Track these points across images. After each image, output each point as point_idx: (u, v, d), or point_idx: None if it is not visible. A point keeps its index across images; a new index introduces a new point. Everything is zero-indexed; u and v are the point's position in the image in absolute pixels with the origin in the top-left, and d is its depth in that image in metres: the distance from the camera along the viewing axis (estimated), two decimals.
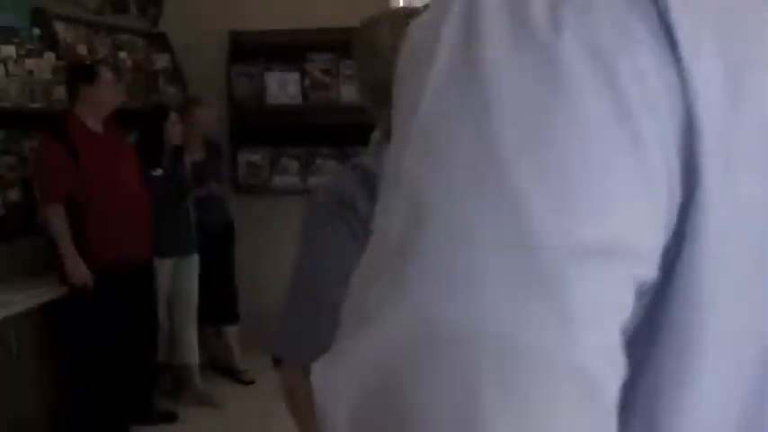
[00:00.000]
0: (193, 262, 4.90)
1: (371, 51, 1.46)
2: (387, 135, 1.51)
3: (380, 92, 1.45)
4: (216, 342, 5.39)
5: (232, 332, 5.33)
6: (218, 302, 5.20)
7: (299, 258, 1.46)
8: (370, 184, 1.39)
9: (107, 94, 4.23)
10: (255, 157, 6.13)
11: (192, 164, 4.93)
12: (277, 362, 1.42)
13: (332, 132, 6.05)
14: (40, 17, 4.60)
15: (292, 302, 1.43)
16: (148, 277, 4.52)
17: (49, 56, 4.52)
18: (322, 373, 0.48)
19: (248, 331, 5.48)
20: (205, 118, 5.15)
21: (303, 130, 6.08)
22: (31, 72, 4.32)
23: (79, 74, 4.23)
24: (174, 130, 4.71)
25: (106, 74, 4.26)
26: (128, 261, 4.24)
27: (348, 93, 5.93)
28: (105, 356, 4.21)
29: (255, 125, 6.06)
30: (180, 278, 4.83)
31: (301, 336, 1.38)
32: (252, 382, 5.25)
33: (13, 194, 4.21)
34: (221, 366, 5.39)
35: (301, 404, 1.42)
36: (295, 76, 5.96)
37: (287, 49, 5.98)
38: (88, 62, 4.48)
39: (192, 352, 4.88)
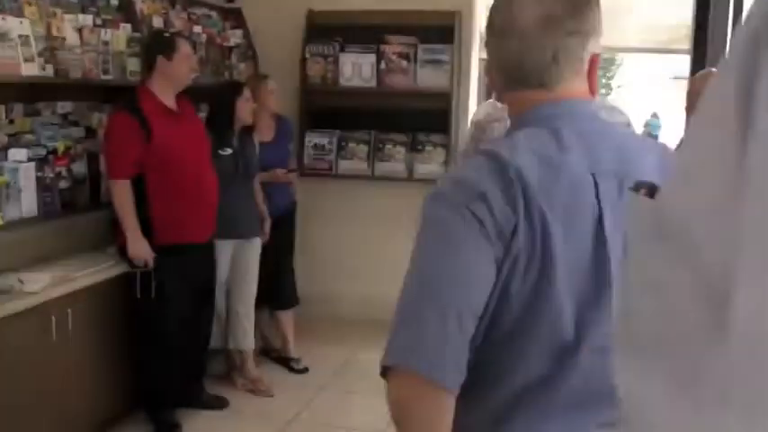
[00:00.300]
0: (255, 245, 4.77)
1: (509, 28, 1.37)
2: (517, 120, 1.42)
3: (514, 71, 1.39)
4: (270, 328, 5.27)
5: (287, 318, 5.21)
6: (276, 287, 5.08)
7: (421, 256, 1.29)
8: (502, 174, 1.27)
9: (184, 68, 4.11)
10: (323, 140, 5.98)
11: (260, 144, 4.80)
12: (386, 369, 1.26)
13: (405, 118, 5.88)
14: None
15: (411, 305, 1.27)
16: (210, 258, 4.41)
17: (125, 27, 4.41)
18: None
19: (303, 318, 5.36)
20: (274, 96, 5.01)
21: (375, 114, 5.91)
22: (106, 43, 4.21)
23: (158, 46, 4.10)
24: (244, 108, 4.57)
25: (185, 47, 4.14)
26: (191, 241, 4.14)
27: (424, 77, 5.75)
28: (162, 336, 4.12)
29: (326, 107, 5.91)
30: (240, 262, 4.71)
31: (421, 343, 1.23)
32: (305, 371, 5.13)
33: (79, 167, 4.11)
34: (274, 353, 5.28)
35: (416, 417, 1.26)
36: (371, 58, 5.79)
37: (364, 31, 5.81)
38: (167, 34, 4.34)
39: (247, 338, 4.76)
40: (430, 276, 1.26)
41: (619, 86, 16.08)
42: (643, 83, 13.66)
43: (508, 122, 1.50)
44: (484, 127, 3.78)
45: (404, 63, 5.78)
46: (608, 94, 15.71)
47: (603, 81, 16.57)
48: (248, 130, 4.67)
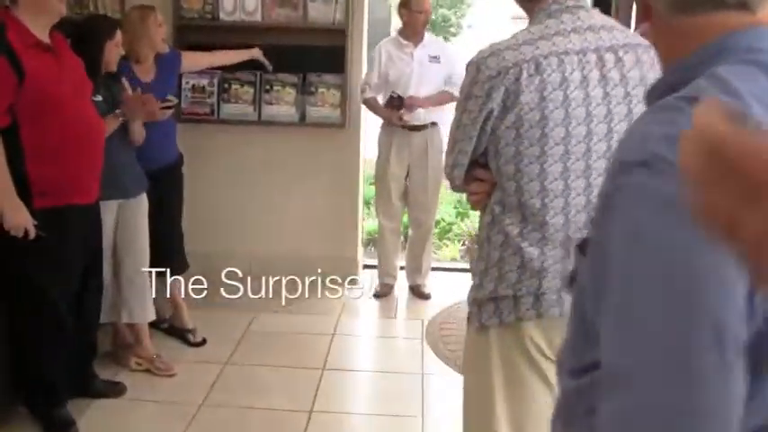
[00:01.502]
0: (142, 203, 4.11)
1: None
2: (692, 57, 0.98)
3: None
4: (159, 296, 4.62)
5: (178, 284, 4.59)
6: (163, 250, 4.42)
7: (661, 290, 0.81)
8: None
9: None
10: (202, 82, 5.32)
11: (142, 85, 4.10)
12: None
13: (294, 56, 5.30)
14: None
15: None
16: (97, 221, 3.73)
17: None
18: None
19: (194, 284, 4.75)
20: (159, 29, 4.31)
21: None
22: None
23: None
24: (114, 53, 3.85)
25: None
26: (77, 202, 3.46)
27: (316, 11, 5.18)
28: (46, 315, 3.45)
29: (205, 44, 5.21)
30: (127, 223, 4.04)
31: None
32: (203, 342, 4.56)
33: None
34: (166, 324, 4.65)
35: None
36: None
37: None
38: None
39: (145, 310, 4.12)
40: None
41: (469, 26, 15.97)
42: (494, 23, 13.59)
43: None
44: None
45: None
46: (457, 33, 15.64)
47: (453, 20, 16.50)
48: (112, 74, 3.95)
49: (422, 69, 5.18)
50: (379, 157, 5.35)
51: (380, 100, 5.19)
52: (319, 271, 5.06)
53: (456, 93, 5.36)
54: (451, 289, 5.60)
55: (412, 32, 5.19)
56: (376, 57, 5.24)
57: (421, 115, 5.21)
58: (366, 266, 5.87)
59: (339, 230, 5.57)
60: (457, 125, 2.06)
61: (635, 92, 1.99)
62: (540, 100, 1.93)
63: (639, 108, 1.95)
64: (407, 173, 5.31)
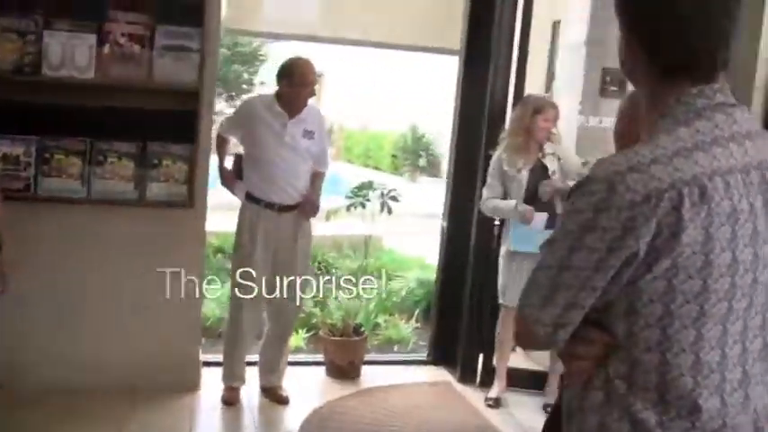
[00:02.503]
0: None
1: None
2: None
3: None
4: None
5: None
6: None
7: None
8: None
9: None
10: (17, 150, 4.31)
11: None
12: None
13: (134, 122, 4.45)
14: None
15: None
16: None
17: None
18: None
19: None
20: None
21: (93, 115, 4.38)
22: None
23: None
24: None
25: None
26: None
27: (164, 69, 4.38)
28: None
29: (20, 104, 4.23)
30: None
31: None
32: None
33: None
34: None
35: None
36: (89, 39, 4.27)
37: (80, 2, 4.27)
38: None
39: None
40: None
41: (262, 83, 15.34)
42: None
43: None
44: None
45: (136, 48, 4.34)
46: (249, 90, 14.98)
47: (245, 76, 15.81)
48: None
49: (294, 144, 4.53)
50: (239, 237, 4.62)
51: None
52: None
53: (325, 171, 4.85)
54: (305, 387, 4.94)
55: (290, 105, 4.53)
56: (242, 109, 4.61)
57: (291, 191, 4.56)
58: (206, 363, 5.00)
59: (178, 328, 4.71)
60: (561, 266, 1.45)
61: None
62: (706, 240, 1.38)
63: None
64: (273, 259, 4.60)
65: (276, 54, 16.04)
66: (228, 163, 4.77)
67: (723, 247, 1.39)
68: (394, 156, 17.30)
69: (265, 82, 15.37)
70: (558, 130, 5.01)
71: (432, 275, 6.92)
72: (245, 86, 15.19)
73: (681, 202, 1.36)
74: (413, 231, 9.24)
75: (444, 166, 16.65)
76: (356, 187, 5.28)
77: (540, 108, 4.85)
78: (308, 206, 4.63)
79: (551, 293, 1.46)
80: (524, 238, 4.81)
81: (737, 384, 1.45)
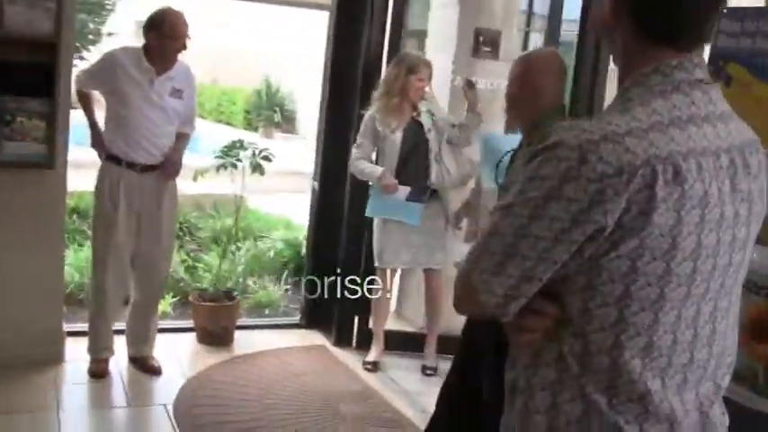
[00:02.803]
0: None
1: None
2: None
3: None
4: None
5: None
6: None
7: None
8: None
9: None
10: None
11: None
12: None
13: None
14: None
15: None
16: None
17: None
18: None
19: None
20: None
21: None
22: None
23: None
24: None
25: None
26: None
27: (17, 17, 4.02)
28: None
29: None
30: None
31: None
32: None
33: None
34: None
35: None
36: None
37: None
38: None
39: None
40: None
41: (109, 34, 14.47)
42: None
43: None
44: None
45: None
46: (97, 41, 14.08)
47: (91, 26, 14.84)
48: None
49: (161, 102, 4.26)
50: (99, 200, 4.32)
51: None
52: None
53: (191, 133, 4.57)
54: (177, 356, 4.75)
55: (159, 60, 4.24)
56: (104, 62, 4.31)
57: (155, 151, 4.30)
58: (70, 333, 4.69)
59: (38, 298, 4.39)
60: (517, 234, 1.36)
61: (755, 210, 1.47)
62: (676, 222, 1.32)
63: (747, 234, 1.46)
64: (137, 222, 4.33)
65: (126, 4, 15.31)
66: (100, 122, 4.43)
67: (690, 230, 1.34)
68: (247, 111, 16.90)
69: (114, 33, 14.62)
70: (431, 88, 4.95)
71: (298, 235, 6.82)
72: (91, 37, 14.34)
73: (654, 179, 1.29)
74: (277, 190, 9.06)
75: (300, 122, 16.62)
76: (226, 146, 5.04)
77: (415, 67, 4.76)
78: (170, 167, 4.37)
79: (505, 261, 1.37)
80: (381, 205, 4.79)
81: (680, 368, 1.42)
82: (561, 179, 1.31)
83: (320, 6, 5.56)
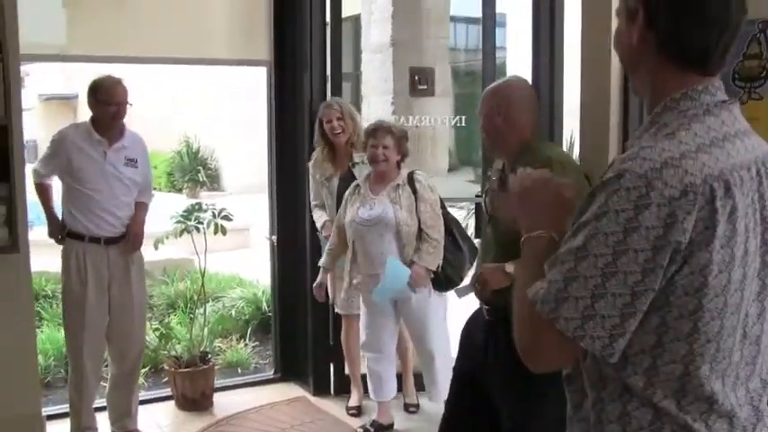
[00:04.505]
0: None
1: None
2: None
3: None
4: None
5: None
6: None
7: None
8: None
9: None
10: None
11: None
12: None
13: None
14: None
15: None
16: None
17: None
18: None
19: None
20: None
21: None
22: None
23: None
24: None
25: None
26: None
27: None
28: None
29: None
30: None
31: None
32: None
33: None
34: None
35: None
36: None
37: None
38: None
39: None
40: None
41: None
42: None
43: None
44: None
45: None
46: None
47: None
48: None
49: (116, 173, 4.25)
50: (67, 280, 4.26)
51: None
52: None
53: (149, 202, 4.52)
54: (160, 426, 4.69)
55: (103, 127, 4.23)
56: (55, 143, 4.30)
57: (116, 223, 4.28)
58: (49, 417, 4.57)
59: (14, 383, 4.28)
60: (605, 273, 1.38)
61: None
62: (732, 233, 1.40)
63: None
64: (108, 296, 4.29)
65: (33, 80, 15.07)
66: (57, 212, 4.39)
67: (741, 239, 1.42)
68: (170, 174, 16.71)
69: (25, 108, 14.34)
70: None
71: (256, 291, 6.79)
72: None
73: (714, 196, 1.37)
74: (217, 249, 8.98)
75: (224, 179, 16.50)
76: (185, 210, 5.04)
77: (323, 110, 4.83)
78: (133, 239, 4.34)
79: (595, 303, 1.39)
80: None
81: (734, 367, 1.49)
82: (636, 209, 1.36)
83: (252, 63, 5.60)
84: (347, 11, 5.12)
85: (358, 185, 4.51)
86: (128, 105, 4.30)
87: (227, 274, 7.84)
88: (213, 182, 16.73)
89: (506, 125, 2.95)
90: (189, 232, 4.94)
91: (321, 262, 4.70)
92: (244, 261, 8.63)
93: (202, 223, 4.94)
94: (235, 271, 7.94)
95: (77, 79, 19.33)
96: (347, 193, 4.54)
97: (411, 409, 4.92)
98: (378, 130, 4.41)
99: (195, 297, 6.01)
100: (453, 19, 10.67)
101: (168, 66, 9.82)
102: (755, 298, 1.52)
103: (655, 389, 1.46)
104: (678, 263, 1.38)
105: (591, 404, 1.57)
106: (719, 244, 1.38)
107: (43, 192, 4.40)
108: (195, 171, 16.18)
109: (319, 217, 4.90)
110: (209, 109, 15.35)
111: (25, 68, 15.72)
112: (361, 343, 4.64)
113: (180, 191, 15.97)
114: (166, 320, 6.05)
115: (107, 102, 4.20)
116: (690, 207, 1.35)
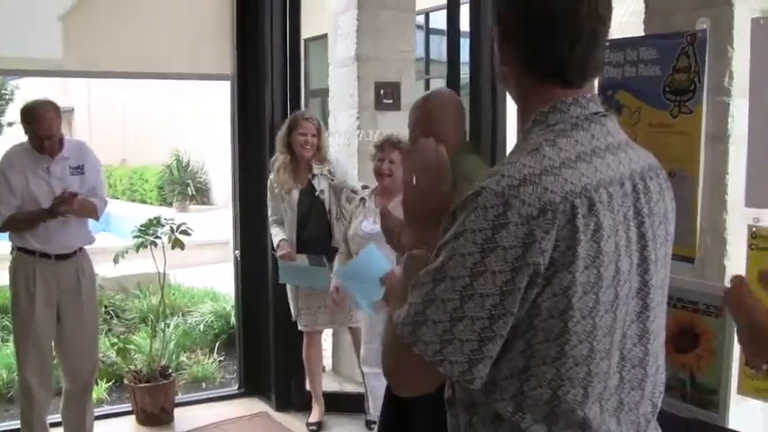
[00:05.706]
0: None
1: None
2: None
3: None
4: None
5: None
6: None
7: None
8: None
9: None
10: None
11: None
12: None
13: None
14: None
15: None
16: None
17: None
18: None
19: None
20: None
21: None
22: None
23: None
24: None
25: None
26: None
27: None
28: None
29: None
30: None
31: None
32: None
33: None
34: None
35: None
36: None
37: None
38: None
39: None
40: None
41: (10, 124, 14.18)
42: None
43: None
44: None
45: None
46: None
47: None
48: None
49: (63, 184, 4.23)
50: (15, 297, 4.25)
51: None
52: None
53: (102, 205, 4.48)
54: None
55: (47, 147, 4.22)
56: (2, 166, 4.23)
57: (67, 239, 4.27)
58: None
59: None
60: (463, 296, 1.31)
61: (659, 231, 1.51)
62: (597, 253, 1.35)
63: (657, 255, 1.50)
64: (57, 310, 4.28)
65: (23, 92, 15.06)
66: None
67: (610, 259, 1.36)
68: (160, 188, 16.74)
69: (15, 122, 14.30)
70: (325, 146, 4.92)
71: (226, 306, 6.79)
72: None
73: (574, 214, 1.32)
74: (198, 263, 9.00)
75: (214, 192, 16.51)
76: (143, 225, 5.03)
77: (294, 122, 4.81)
78: (68, 198, 4.13)
79: (453, 328, 1.32)
80: (288, 272, 4.79)
81: (614, 390, 1.45)
82: (493, 228, 1.30)
83: (219, 77, 5.61)
84: (321, 29, 5.12)
85: (363, 199, 4.52)
86: (59, 135, 4.23)
87: (201, 289, 7.83)
88: (203, 195, 16.77)
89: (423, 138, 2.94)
90: (146, 246, 4.93)
91: (280, 238, 4.78)
92: (223, 275, 8.63)
93: (160, 237, 4.93)
94: (212, 285, 7.94)
95: (75, 93, 19.54)
96: (352, 206, 4.55)
97: (372, 426, 4.88)
98: (385, 144, 4.39)
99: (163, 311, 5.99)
100: (433, 31, 10.68)
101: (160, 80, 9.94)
102: (635, 319, 1.47)
103: (524, 414, 1.40)
104: (539, 285, 1.32)
105: (463, 429, 1.53)
106: (583, 264, 1.32)
107: (16, 222, 4.23)
108: (185, 185, 16.22)
109: (276, 234, 4.87)
110: (200, 122, 15.36)
111: (18, 81, 15.87)
112: (361, 358, 4.58)
113: (170, 204, 16.01)
114: (129, 335, 6.03)
115: (36, 132, 4.17)
116: (548, 226, 1.29)
